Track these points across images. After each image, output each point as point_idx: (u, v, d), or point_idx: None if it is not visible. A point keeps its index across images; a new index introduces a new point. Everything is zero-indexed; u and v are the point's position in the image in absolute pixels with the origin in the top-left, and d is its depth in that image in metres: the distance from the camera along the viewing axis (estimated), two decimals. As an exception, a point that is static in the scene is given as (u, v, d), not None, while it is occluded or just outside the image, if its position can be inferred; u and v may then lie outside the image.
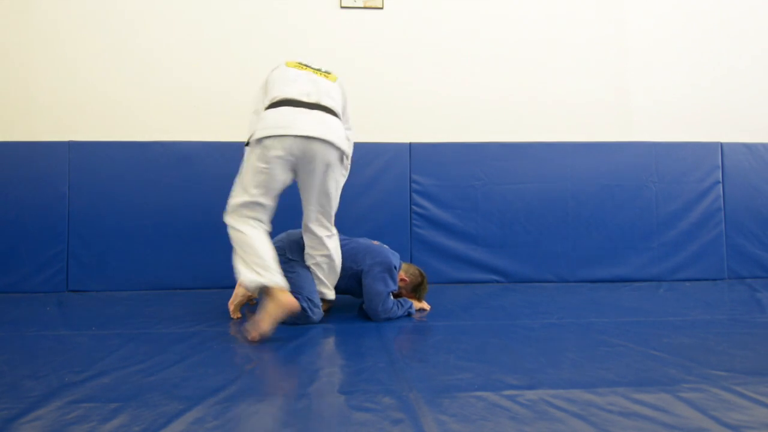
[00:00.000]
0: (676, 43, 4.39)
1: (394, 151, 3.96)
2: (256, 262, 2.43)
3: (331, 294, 2.81)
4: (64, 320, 2.91)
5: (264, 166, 2.49)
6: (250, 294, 2.81)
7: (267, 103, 2.58)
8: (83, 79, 3.99)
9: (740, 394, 1.70)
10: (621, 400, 1.65)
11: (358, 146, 3.91)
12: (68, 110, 3.97)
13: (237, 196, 2.58)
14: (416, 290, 3.00)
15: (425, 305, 3.03)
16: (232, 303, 2.87)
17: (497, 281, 3.93)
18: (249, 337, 2.35)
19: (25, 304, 3.22)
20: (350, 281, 2.84)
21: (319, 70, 2.72)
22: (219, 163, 3.78)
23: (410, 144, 3.99)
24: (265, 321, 2.34)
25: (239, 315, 2.86)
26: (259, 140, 2.48)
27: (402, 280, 2.92)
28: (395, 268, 2.78)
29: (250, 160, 2.52)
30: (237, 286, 2.88)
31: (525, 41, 4.29)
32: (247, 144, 2.56)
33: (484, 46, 4.26)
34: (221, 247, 3.73)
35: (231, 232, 2.55)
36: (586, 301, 3.29)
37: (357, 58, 4.16)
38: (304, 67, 2.71)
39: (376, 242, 2.95)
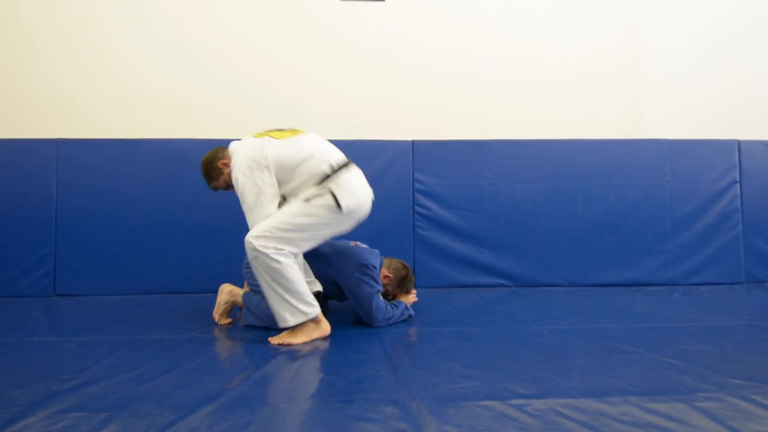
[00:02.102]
0: (691, 36, 4.39)
1: (396, 149, 3.96)
2: (297, 297, 2.46)
3: (317, 285, 2.79)
4: (51, 326, 2.91)
5: (346, 228, 2.63)
6: (233, 300, 2.89)
7: (320, 172, 2.56)
8: (72, 74, 4.00)
9: (759, 403, 1.69)
10: (634, 410, 1.65)
11: (358, 144, 3.92)
12: (56, 107, 3.98)
13: (282, 231, 2.45)
14: (402, 284, 3.00)
15: (412, 296, 3.07)
16: (217, 313, 2.88)
17: (504, 285, 3.93)
18: (273, 343, 2.44)
19: (10, 309, 3.22)
20: (330, 287, 2.83)
21: (296, 129, 2.80)
22: (213, 161, 3.78)
23: (413, 141, 3.99)
24: (300, 339, 2.46)
25: (230, 320, 2.87)
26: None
27: (386, 276, 2.91)
28: (372, 266, 2.76)
29: (322, 215, 2.51)
30: (219, 294, 2.90)
31: (534, 34, 4.29)
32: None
33: (490, 39, 4.26)
34: (215, 249, 3.76)
35: (268, 262, 2.42)
36: (597, 306, 3.28)
37: (358, 52, 4.16)
38: (293, 131, 2.75)
39: (353, 243, 2.94)
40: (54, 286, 3.67)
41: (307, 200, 2.51)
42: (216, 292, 2.94)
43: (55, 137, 3.80)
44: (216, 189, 2.86)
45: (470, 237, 3.96)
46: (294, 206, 2.51)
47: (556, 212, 4.02)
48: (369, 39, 4.18)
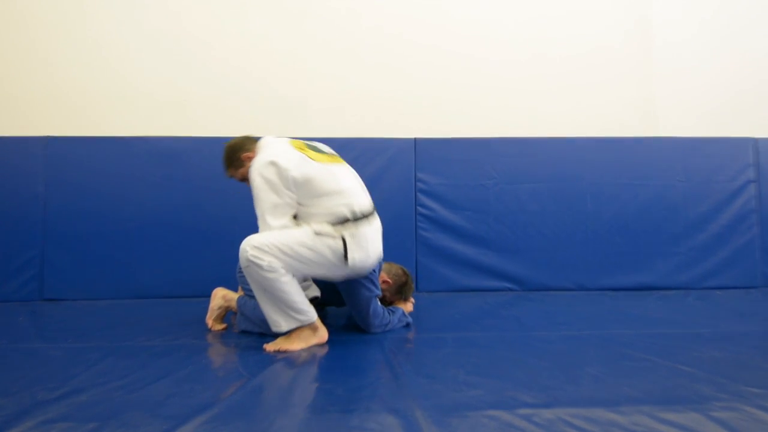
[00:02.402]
0: (705, 31, 4.39)
1: (397, 147, 3.96)
2: (290, 305, 2.44)
3: (314, 290, 2.83)
4: (38, 332, 2.91)
5: (339, 277, 2.55)
6: (227, 305, 2.87)
7: (341, 214, 2.49)
8: (61, 70, 4.00)
9: (778, 413, 1.68)
10: (646, 419, 1.64)
11: (358, 142, 3.92)
12: (45, 103, 3.98)
13: (281, 251, 2.41)
14: (401, 291, 3.00)
15: (410, 304, 3.07)
16: (210, 318, 2.87)
17: (510, 289, 3.92)
18: (269, 350, 2.43)
19: (-5, 314, 3.22)
20: (328, 292, 2.83)
21: (335, 155, 2.74)
22: (207, 160, 3.78)
23: (415, 139, 3.98)
24: (297, 346, 2.45)
25: (224, 326, 2.86)
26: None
27: (384, 281, 2.92)
28: (372, 270, 2.74)
29: (325, 256, 2.45)
30: (213, 299, 2.90)
31: (540, 28, 4.29)
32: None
33: (495, 35, 4.26)
34: (209, 252, 3.76)
35: (261, 273, 2.40)
36: (608, 311, 3.27)
37: (357, 48, 4.16)
38: (331, 157, 2.69)
39: None
40: (41, 290, 3.66)
41: (317, 234, 2.44)
42: (209, 296, 2.93)
43: (44, 135, 3.79)
44: (231, 177, 2.83)
45: (474, 239, 3.96)
46: (302, 234, 2.44)
47: (564, 213, 4.01)
48: (369, 34, 4.19)
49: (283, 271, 2.39)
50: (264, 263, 2.37)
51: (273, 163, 2.47)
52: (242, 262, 2.43)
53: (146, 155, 3.81)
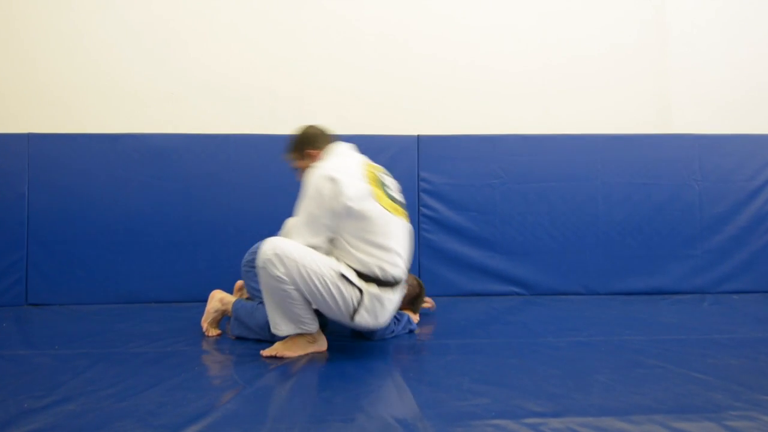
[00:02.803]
0: (722, 23, 4.40)
1: (399, 145, 3.97)
2: (294, 316, 2.44)
3: None
4: (23, 338, 2.92)
5: (332, 319, 2.55)
6: (224, 309, 2.88)
7: (373, 272, 2.42)
8: (44, 63, 4.01)
9: (796, 422, 1.70)
10: (659, 429, 1.65)
11: (359, 140, 3.92)
12: (27, 98, 3.99)
13: (299, 272, 2.37)
14: (413, 302, 3.01)
15: (417, 315, 3.07)
16: (206, 321, 2.89)
17: (517, 293, 3.93)
18: (265, 356, 2.45)
19: (-22, 320, 3.23)
20: None
21: (400, 205, 2.68)
22: (199, 158, 3.80)
23: (418, 137, 4.00)
24: (294, 353, 2.47)
25: (218, 332, 2.88)
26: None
27: None
28: None
29: (336, 302, 2.41)
30: (209, 301, 2.91)
31: (550, 21, 4.30)
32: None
33: (502, 26, 4.27)
34: (202, 254, 3.77)
35: (271, 280, 2.38)
36: (620, 316, 3.28)
37: (361, 43, 4.18)
38: (396, 207, 2.62)
39: None
40: (26, 295, 3.68)
41: (341, 278, 2.39)
42: (203, 300, 2.95)
43: (27, 132, 3.80)
44: (287, 161, 2.80)
45: (480, 241, 3.97)
46: (327, 271, 2.38)
47: (574, 214, 4.02)
48: (371, 26, 4.20)
49: (292, 287, 2.37)
50: (278, 274, 2.34)
51: (335, 181, 2.38)
52: (258, 260, 2.39)
53: (135, 153, 3.82)
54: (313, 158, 2.62)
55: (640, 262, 4.00)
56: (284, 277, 2.34)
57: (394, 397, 1.95)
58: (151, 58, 4.07)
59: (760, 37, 4.39)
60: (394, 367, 2.31)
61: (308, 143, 2.68)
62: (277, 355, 2.44)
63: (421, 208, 3.95)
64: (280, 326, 2.46)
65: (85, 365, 2.32)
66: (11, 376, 2.20)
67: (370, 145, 3.93)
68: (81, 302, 3.66)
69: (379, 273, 2.42)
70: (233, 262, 3.75)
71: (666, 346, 2.58)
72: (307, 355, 2.50)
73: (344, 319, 2.45)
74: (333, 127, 4.04)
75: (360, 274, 2.41)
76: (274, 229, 3.51)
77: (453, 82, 4.22)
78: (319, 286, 2.36)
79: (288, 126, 4.01)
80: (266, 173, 3.84)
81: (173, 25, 4.08)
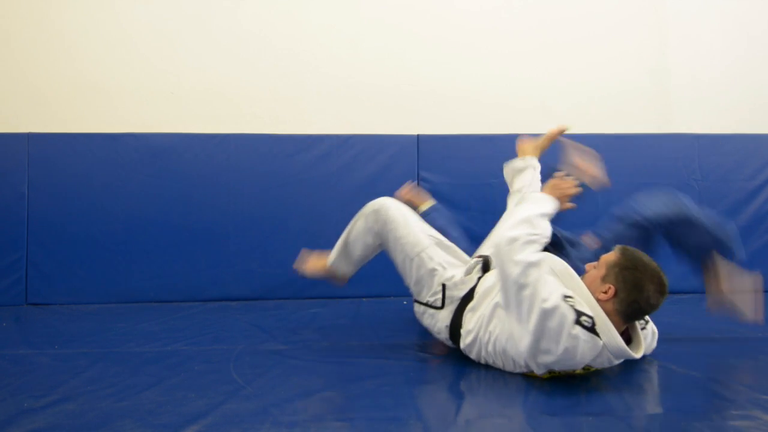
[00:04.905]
0: (722, 19, 4.39)
1: (399, 145, 3.97)
2: (353, 255, 2.75)
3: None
4: (23, 337, 2.92)
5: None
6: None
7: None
8: (43, 61, 4.00)
9: (797, 422, 1.69)
10: (660, 428, 1.65)
11: (359, 139, 3.93)
12: (26, 97, 3.98)
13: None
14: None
15: None
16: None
17: (517, 293, 3.93)
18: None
19: (-23, 320, 3.23)
20: None
21: None
22: (200, 158, 3.80)
23: (418, 136, 4.00)
24: (311, 273, 2.86)
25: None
26: None
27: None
28: None
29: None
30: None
31: (548, 20, 4.29)
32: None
33: (501, 25, 4.27)
34: (201, 254, 3.77)
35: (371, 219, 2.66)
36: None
37: (360, 42, 4.17)
38: None
39: None
40: (26, 295, 3.67)
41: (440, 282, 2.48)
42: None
43: (26, 131, 3.80)
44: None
45: (480, 239, 3.93)
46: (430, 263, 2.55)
47: (574, 213, 4.00)
48: (369, 25, 4.19)
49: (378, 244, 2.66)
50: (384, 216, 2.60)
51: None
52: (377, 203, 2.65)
53: (135, 152, 3.81)
54: None
55: (639, 262, 3.98)
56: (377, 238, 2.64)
57: (393, 396, 1.95)
58: (151, 58, 4.05)
59: (759, 36, 4.39)
60: (393, 367, 2.30)
61: None
62: (306, 267, 2.84)
63: (421, 207, 3.94)
64: (333, 257, 2.76)
65: (84, 365, 2.32)
66: (11, 376, 2.20)
67: (370, 145, 3.94)
68: (81, 302, 3.65)
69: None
70: (232, 261, 3.77)
71: (665, 346, 2.58)
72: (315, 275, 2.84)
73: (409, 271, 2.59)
74: (334, 127, 4.06)
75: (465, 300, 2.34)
76: (273, 229, 3.54)
77: (452, 82, 4.21)
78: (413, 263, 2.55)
79: (287, 125, 4.04)
80: (266, 172, 3.83)
81: (173, 25, 4.06)
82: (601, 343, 1.87)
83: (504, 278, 2.04)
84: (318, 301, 3.65)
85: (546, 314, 1.87)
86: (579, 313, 1.87)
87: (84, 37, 4.03)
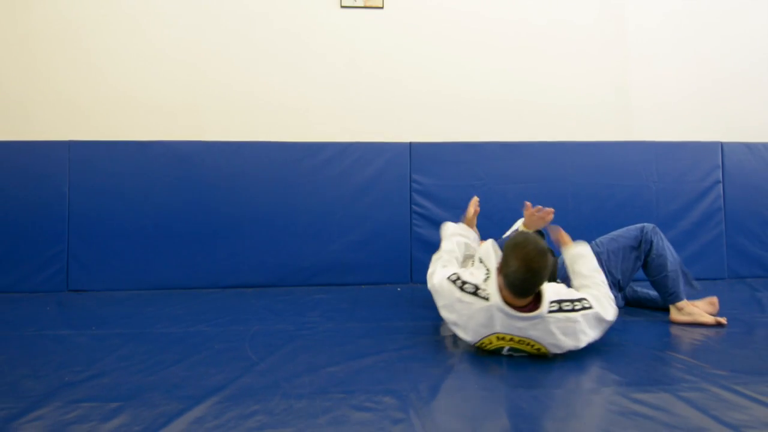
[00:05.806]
0: (677, 42, 4.39)
1: (394, 151, 3.96)
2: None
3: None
4: (64, 320, 2.92)
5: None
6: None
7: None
8: (83, 78, 3.99)
9: (740, 393, 1.70)
10: (621, 399, 1.66)
11: (358, 146, 3.92)
12: (68, 110, 3.97)
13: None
14: None
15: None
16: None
17: (497, 281, 3.93)
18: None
19: (25, 304, 3.22)
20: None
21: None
22: (218, 163, 3.79)
23: (410, 143, 3.99)
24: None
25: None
26: None
27: None
28: None
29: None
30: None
31: (525, 41, 4.29)
32: None
33: (484, 46, 4.26)
34: (220, 246, 3.76)
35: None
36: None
37: (357, 58, 4.16)
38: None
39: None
40: (67, 282, 3.67)
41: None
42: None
43: (68, 139, 3.79)
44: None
45: (465, 235, 3.96)
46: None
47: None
48: (367, 45, 4.18)
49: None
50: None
51: None
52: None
53: (163, 158, 3.80)
54: None
55: (604, 253, 3.99)
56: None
57: (389, 371, 1.95)
58: (178, 76, 4.04)
59: (710, 56, 4.39)
60: (389, 344, 2.30)
61: None
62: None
63: (413, 206, 3.94)
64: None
65: (118, 343, 2.32)
66: (54, 353, 2.20)
67: (368, 151, 3.93)
68: (115, 288, 3.64)
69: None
70: (248, 253, 3.76)
71: (627, 326, 2.59)
72: None
73: None
74: (336, 136, 4.06)
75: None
76: (283, 225, 3.54)
77: (440, 96, 4.21)
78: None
79: (295, 134, 4.03)
80: (276, 176, 3.82)
81: (196, 48, 4.05)
82: (486, 303, 2.03)
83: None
84: (323, 288, 3.65)
85: (434, 291, 2.30)
86: (463, 283, 2.14)
87: (118, 57, 4.02)
